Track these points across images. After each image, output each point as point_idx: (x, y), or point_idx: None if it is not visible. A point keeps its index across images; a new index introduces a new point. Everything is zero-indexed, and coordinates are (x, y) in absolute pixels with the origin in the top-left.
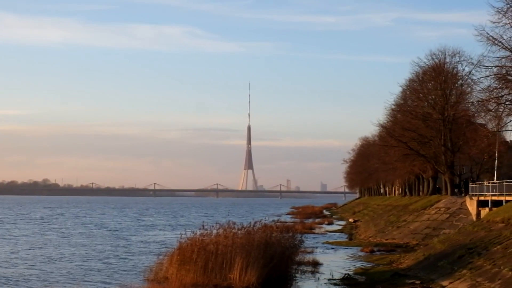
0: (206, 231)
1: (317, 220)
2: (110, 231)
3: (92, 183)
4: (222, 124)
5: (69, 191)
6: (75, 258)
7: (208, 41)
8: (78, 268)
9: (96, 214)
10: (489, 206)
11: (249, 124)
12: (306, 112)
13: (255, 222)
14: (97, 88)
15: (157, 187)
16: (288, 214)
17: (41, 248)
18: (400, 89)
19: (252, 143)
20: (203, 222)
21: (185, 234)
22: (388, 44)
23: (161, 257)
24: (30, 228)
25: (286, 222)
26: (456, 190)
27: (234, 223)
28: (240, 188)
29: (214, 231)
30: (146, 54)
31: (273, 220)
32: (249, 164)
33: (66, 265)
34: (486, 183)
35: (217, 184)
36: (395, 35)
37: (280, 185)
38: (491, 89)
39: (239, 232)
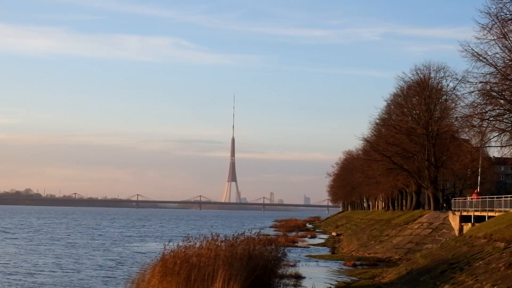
0: (189, 243)
1: (300, 233)
2: (97, 242)
3: (75, 193)
4: (207, 136)
5: (52, 201)
6: (59, 268)
7: (195, 52)
8: (61, 279)
9: (88, 224)
10: (472, 222)
11: (233, 137)
12: (291, 125)
13: (238, 235)
14: (82, 98)
15: (140, 199)
16: (271, 227)
17: (25, 257)
18: (384, 103)
19: (236, 155)
20: (187, 234)
21: (169, 245)
22: (375, 59)
23: (143, 268)
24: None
25: (269, 235)
26: (444, 205)
27: (217, 235)
28: (223, 200)
29: (198, 243)
30: (133, 65)
31: (256, 233)
32: (232, 177)
33: (48, 276)
34: (469, 198)
35: (200, 196)
36: (383, 49)
37: (264, 197)
38: (475, 104)
39: (222, 244)
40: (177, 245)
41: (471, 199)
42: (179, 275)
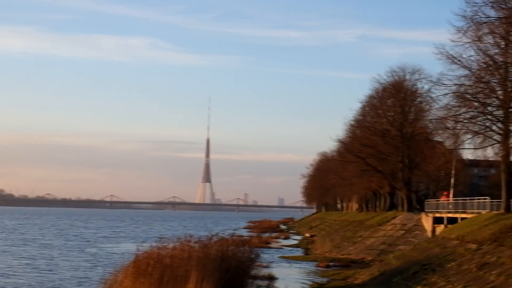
0: (162, 244)
1: (274, 234)
2: (71, 243)
3: (48, 193)
4: (181, 137)
5: (25, 201)
6: (33, 269)
7: (171, 53)
8: (36, 280)
9: (62, 225)
10: (445, 223)
11: (208, 137)
12: (266, 126)
13: (212, 236)
14: (57, 98)
15: (113, 199)
16: (245, 228)
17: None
18: (360, 105)
19: (211, 156)
20: (161, 235)
21: (142, 246)
22: (351, 61)
23: (116, 269)
24: None
25: (242, 236)
26: (417, 206)
27: (191, 236)
28: (197, 201)
29: (171, 244)
30: (108, 65)
31: (230, 234)
32: (207, 177)
33: (22, 277)
34: (442, 200)
35: (174, 197)
36: (359, 51)
37: (238, 198)
38: (450, 107)
39: (195, 245)
40: (151, 246)
41: (441, 200)
42: (152, 276)
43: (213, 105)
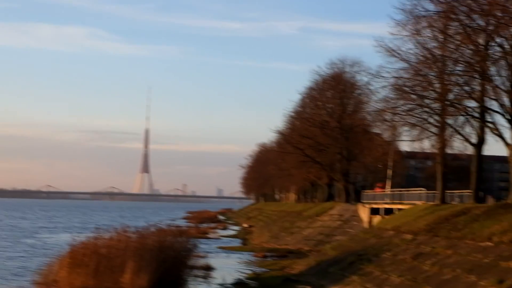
0: (99, 235)
1: (212, 225)
2: (8, 233)
3: None
4: (120, 127)
5: None
6: None
7: (111, 43)
8: None
9: None
10: (381, 214)
11: (147, 128)
12: (206, 117)
13: (149, 226)
14: None
15: (50, 189)
16: (183, 218)
17: None
18: (299, 97)
19: (150, 146)
20: (98, 225)
21: (78, 237)
22: (292, 52)
23: (52, 260)
24: None
25: (180, 227)
26: (355, 197)
27: (128, 227)
28: (135, 192)
29: (108, 235)
30: (46, 54)
31: (168, 224)
32: (145, 168)
33: None
34: (376, 191)
35: (112, 187)
36: (300, 43)
37: (177, 189)
38: (388, 99)
39: (132, 235)
40: (87, 237)
41: (375, 192)
42: (88, 266)
43: (153, 96)
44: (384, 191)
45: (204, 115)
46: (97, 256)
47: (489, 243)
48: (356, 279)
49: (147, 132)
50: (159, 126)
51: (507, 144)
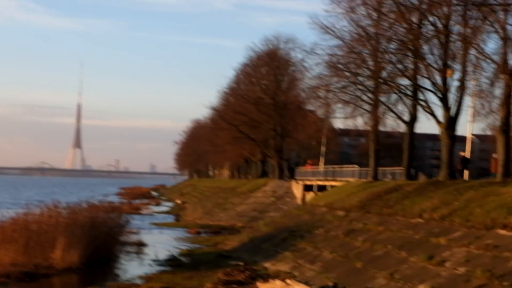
0: (29, 210)
1: (145, 201)
2: None
3: None
4: (51, 102)
5: None
6: None
7: (41, 15)
8: None
9: None
10: (314, 191)
11: (79, 102)
12: (140, 93)
13: (81, 202)
14: None
15: None
16: (116, 194)
17: None
18: (234, 73)
19: (82, 121)
20: (28, 201)
21: (8, 212)
22: (228, 28)
23: None
24: None
25: (113, 203)
26: (288, 174)
27: (59, 202)
28: (67, 167)
29: (38, 211)
30: None
31: (100, 200)
32: (77, 143)
33: None
34: (306, 168)
35: (43, 162)
36: (235, 19)
37: (109, 165)
38: (322, 76)
39: (63, 211)
40: (17, 213)
41: (305, 169)
42: (18, 242)
43: (85, 70)
44: (315, 168)
45: (137, 90)
46: (27, 232)
47: (420, 220)
48: (289, 255)
49: (79, 107)
50: (92, 101)
51: (438, 122)
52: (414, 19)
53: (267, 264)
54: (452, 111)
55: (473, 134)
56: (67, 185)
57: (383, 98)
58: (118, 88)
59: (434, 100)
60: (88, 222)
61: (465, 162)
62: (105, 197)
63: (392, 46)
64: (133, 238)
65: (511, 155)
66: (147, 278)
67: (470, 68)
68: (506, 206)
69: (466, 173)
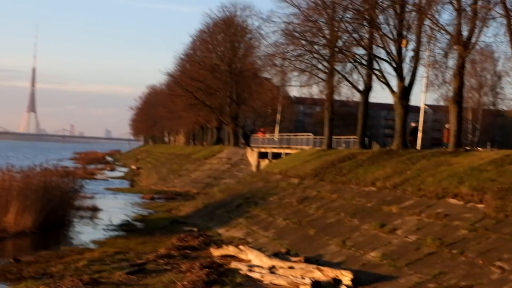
0: None
1: (100, 166)
2: None
3: None
4: (5, 65)
5: None
6: None
7: None
8: None
9: None
10: (269, 158)
11: (34, 66)
12: (96, 57)
13: (35, 166)
14: None
15: None
16: (70, 159)
17: None
18: (190, 39)
19: (37, 85)
20: None
21: None
22: None
23: None
24: None
25: (67, 167)
26: (243, 141)
27: (13, 166)
28: (21, 131)
29: None
30: None
31: (54, 165)
32: (32, 107)
33: None
34: (267, 135)
35: None
36: None
37: (64, 129)
38: (278, 44)
39: (17, 175)
40: None
41: (258, 136)
42: None
43: (40, 34)
44: (267, 136)
45: (93, 55)
46: None
47: (373, 188)
48: (243, 221)
49: (34, 71)
50: (47, 65)
51: (393, 91)
52: None
53: (221, 230)
54: (406, 81)
55: (426, 104)
56: (21, 149)
57: (338, 67)
58: (74, 53)
59: (388, 70)
60: (42, 186)
61: (414, 131)
62: (60, 161)
63: (348, 15)
64: (87, 203)
65: (463, 126)
66: (101, 243)
67: (424, 39)
68: (457, 176)
69: (418, 142)
